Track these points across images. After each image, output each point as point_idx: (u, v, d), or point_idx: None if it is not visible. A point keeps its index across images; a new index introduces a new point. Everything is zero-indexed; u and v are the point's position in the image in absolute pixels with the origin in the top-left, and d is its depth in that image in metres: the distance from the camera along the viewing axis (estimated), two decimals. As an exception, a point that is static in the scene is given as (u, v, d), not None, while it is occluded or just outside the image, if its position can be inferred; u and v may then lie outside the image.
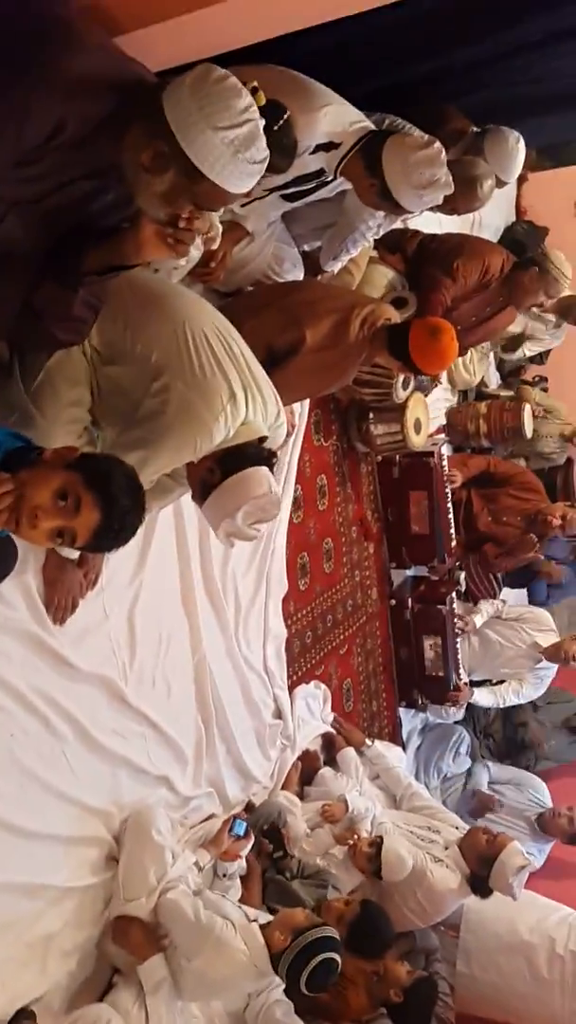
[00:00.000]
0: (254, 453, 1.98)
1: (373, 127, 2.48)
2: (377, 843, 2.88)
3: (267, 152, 1.55)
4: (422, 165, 2.39)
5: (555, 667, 4.49)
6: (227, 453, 1.95)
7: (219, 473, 1.94)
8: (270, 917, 2.39)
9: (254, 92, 2.11)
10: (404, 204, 2.49)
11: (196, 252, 2.40)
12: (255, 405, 2.00)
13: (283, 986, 2.33)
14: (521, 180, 5.49)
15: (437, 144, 2.43)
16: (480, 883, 3.02)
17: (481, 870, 3.02)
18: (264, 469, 1.98)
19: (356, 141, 2.41)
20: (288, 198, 2.63)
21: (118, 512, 1.53)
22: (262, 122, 1.54)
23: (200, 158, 1.49)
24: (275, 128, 2.09)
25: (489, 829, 3.23)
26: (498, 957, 3.26)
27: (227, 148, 1.49)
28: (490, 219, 5.13)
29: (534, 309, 4.70)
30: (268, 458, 2.02)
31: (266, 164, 1.57)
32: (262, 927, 2.28)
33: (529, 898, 3.43)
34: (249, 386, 1.99)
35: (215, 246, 2.50)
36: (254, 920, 2.30)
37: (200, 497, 2.01)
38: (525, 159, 5.40)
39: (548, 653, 4.39)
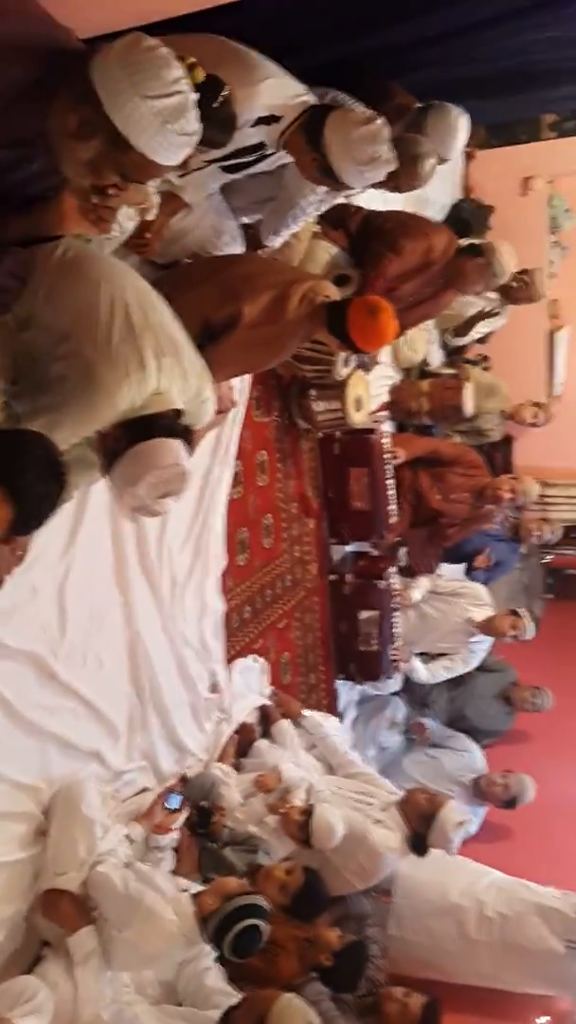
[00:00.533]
0: (165, 424, 1.91)
1: (315, 101, 2.45)
2: (307, 811, 2.93)
3: (197, 125, 1.53)
4: (365, 141, 2.37)
5: (489, 641, 4.62)
6: (135, 421, 1.87)
7: (125, 441, 1.86)
8: (202, 887, 2.43)
9: (192, 68, 2.07)
10: (346, 180, 2.47)
11: (130, 223, 2.36)
12: (170, 376, 1.92)
13: (214, 954, 2.38)
14: (469, 158, 5.53)
15: (380, 120, 2.41)
16: (419, 841, 3.10)
17: (421, 827, 3.10)
18: (175, 441, 1.91)
19: (298, 115, 2.38)
20: (227, 170, 2.60)
21: (32, 502, 1.48)
22: (194, 95, 1.52)
23: (127, 126, 1.46)
24: (214, 105, 2.06)
25: (427, 789, 3.33)
26: (429, 920, 3.37)
27: (155, 118, 1.46)
28: (437, 196, 5.14)
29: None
30: (182, 432, 1.95)
31: (197, 137, 1.55)
32: (195, 895, 2.32)
33: (460, 863, 3.55)
34: (164, 355, 1.91)
35: (151, 216, 2.45)
36: (185, 890, 2.33)
37: (106, 467, 1.92)
38: (473, 137, 5.45)
39: (482, 627, 4.50)
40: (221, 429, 3.23)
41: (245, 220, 2.98)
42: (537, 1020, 3.38)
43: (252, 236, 3.00)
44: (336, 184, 2.54)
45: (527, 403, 5.13)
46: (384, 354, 4.47)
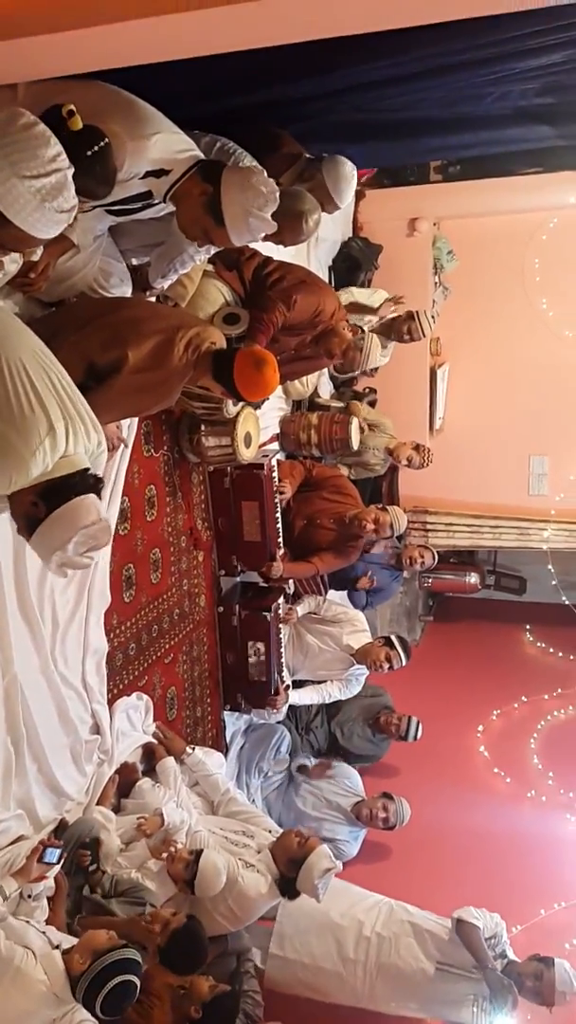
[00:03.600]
0: (79, 482, 1.94)
1: (202, 156, 2.49)
2: (196, 853, 2.93)
3: (75, 201, 1.54)
4: (261, 187, 2.43)
5: (366, 669, 4.75)
6: (50, 486, 1.90)
7: (44, 507, 1.90)
8: (74, 941, 2.39)
9: (70, 116, 2.07)
10: (228, 220, 2.47)
11: (13, 266, 2.32)
12: (75, 437, 1.95)
13: (87, 1009, 2.34)
14: (359, 196, 5.70)
15: (276, 189, 2.48)
16: (288, 885, 3.15)
17: (290, 872, 3.15)
18: (91, 497, 1.96)
19: (186, 169, 2.42)
20: (113, 213, 2.60)
21: None
22: (71, 170, 1.52)
23: (6, 205, 1.46)
24: (88, 154, 2.06)
25: (301, 831, 3.38)
26: (310, 938, 3.47)
27: (34, 197, 1.46)
28: (327, 233, 5.28)
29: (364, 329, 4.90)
30: (94, 485, 1.99)
31: (75, 211, 1.55)
32: (65, 952, 2.28)
33: (343, 886, 3.66)
34: (70, 418, 1.94)
35: (36, 257, 2.42)
36: (57, 947, 2.29)
37: (27, 532, 1.95)
38: (364, 175, 5.63)
39: (358, 655, 4.63)
40: (108, 466, 3.20)
41: (134, 261, 2.98)
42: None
43: (140, 276, 3.00)
44: (214, 228, 2.50)
45: (408, 444, 5.29)
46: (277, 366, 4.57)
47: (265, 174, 2.48)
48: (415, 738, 4.91)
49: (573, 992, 3.35)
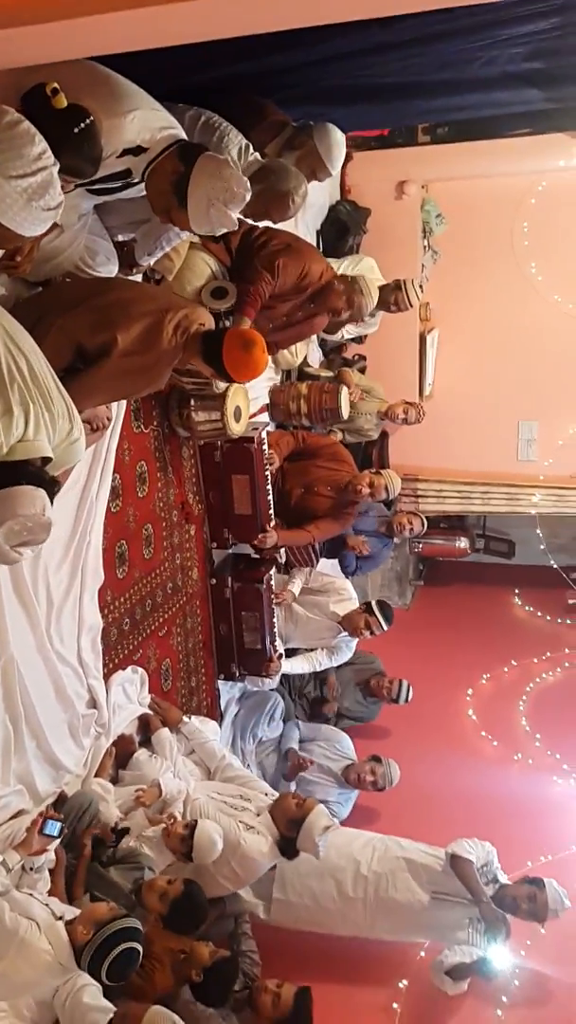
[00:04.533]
0: (30, 472, 1.93)
1: (183, 135, 2.46)
2: (191, 826, 3.02)
3: (61, 197, 1.54)
4: (229, 187, 2.40)
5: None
6: (1, 466, 1.89)
7: None
8: (76, 911, 2.48)
9: (54, 94, 2.05)
10: (190, 204, 2.43)
11: (-1, 250, 2.30)
12: (37, 423, 1.95)
13: (90, 972, 2.44)
14: (347, 160, 5.60)
15: (248, 191, 2.47)
16: (289, 845, 3.26)
17: (290, 832, 3.26)
18: (40, 491, 1.93)
19: (165, 147, 2.39)
20: (94, 192, 2.57)
21: None
22: (56, 167, 1.51)
23: None
24: (75, 131, 2.04)
25: (298, 794, 3.48)
26: (310, 881, 3.61)
27: (20, 196, 1.46)
28: (315, 198, 5.19)
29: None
30: (48, 482, 1.97)
31: (61, 208, 1.54)
32: (68, 922, 2.37)
33: (336, 826, 3.77)
34: (32, 402, 1.93)
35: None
36: (60, 918, 2.38)
37: None
38: (351, 138, 5.55)
39: (343, 623, 4.71)
40: (99, 444, 3.22)
41: (120, 238, 2.95)
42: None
43: (127, 254, 2.98)
44: (176, 207, 2.46)
45: (400, 402, 5.34)
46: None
47: (240, 172, 2.45)
48: (406, 700, 5.03)
49: (564, 908, 3.57)
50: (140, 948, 2.36)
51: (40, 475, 1.93)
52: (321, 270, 3.79)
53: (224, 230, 2.55)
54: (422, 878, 3.65)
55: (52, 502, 1.93)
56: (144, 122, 2.32)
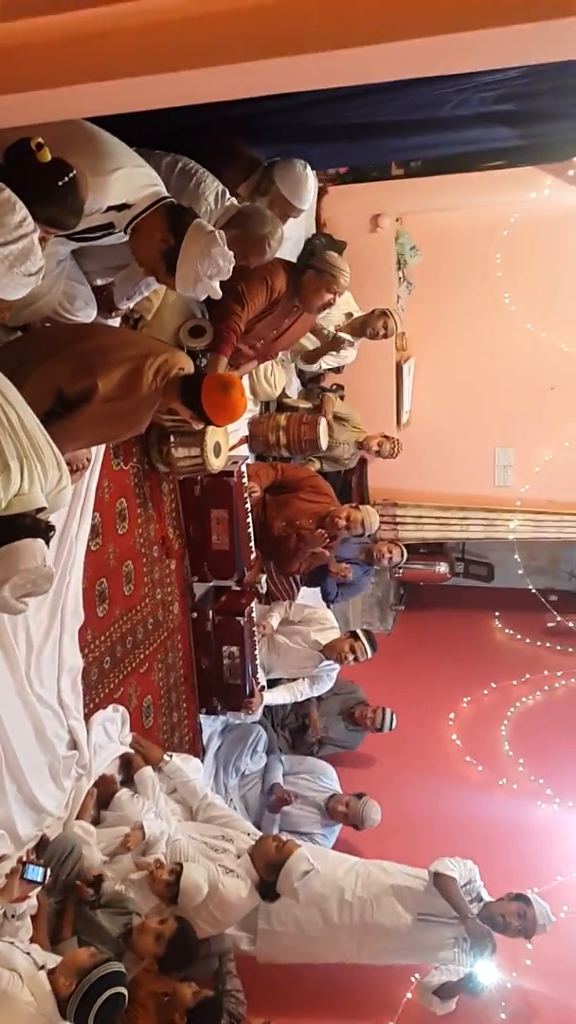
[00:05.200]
0: (28, 525, 1.97)
1: (165, 192, 2.50)
2: (177, 871, 3.01)
3: (42, 263, 1.57)
4: (217, 264, 2.46)
5: (337, 666, 4.84)
6: None
7: None
8: (59, 959, 2.45)
9: (39, 148, 2.08)
10: (179, 277, 2.54)
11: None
12: (31, 475, 1.98)
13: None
14: (322, 193, 5.69)
15: (232, 264, 2.54)
16: (268, 888, 3.25)
17: (269, 876, 3.25)
18: (39, 542, 1.97)
19: (149, 205, 2.43)
20: (74, 239, 2.60)
21: None
22: (36, 233, 1.54)
23: None
24: (59, 184, 2.08)
25: (279, 836, 3.47)
26: (295, 910, 3.59)
27: (2, 263, 1.49)
28: (291, 232, 5.25)
29: (331, 328, 4.93)
30: (44, 531, 2.01)
31: (42, 273, 1.57)
32: (50, 972, 2.35)
33: (320, 852, 3.82)
34: (26, 456, 1.97)
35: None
36: (42, 967, 2.35)
37: None
38: (327, 173, 5.63)
39: (326, 651, 4.73)
40: (78, 484, 3.22)
41: (99, 282, 2.98)
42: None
43: (106, 298, 3.01)
44: (163, 274, 2.57)
45: (377, 435, 5.39)
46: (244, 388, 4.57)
47: (225, 245, 2.50)
48: (390, 728, 5.04)
49: (551, 922, 3.60)
50: (125, 992, 2.35)
51: (37, 526, 1.96)
52: (285, 277, 3.79)
53: (206, 296, 2.60)
54: (406, 901, 3.66)
55: (49, 546, 1.96)
56: (128, 180, 2.37)
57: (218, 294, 2.55)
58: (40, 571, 1.95)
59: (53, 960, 2.46)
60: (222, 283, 3.64)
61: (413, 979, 3.74)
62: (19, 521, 1.95)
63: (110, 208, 2.36)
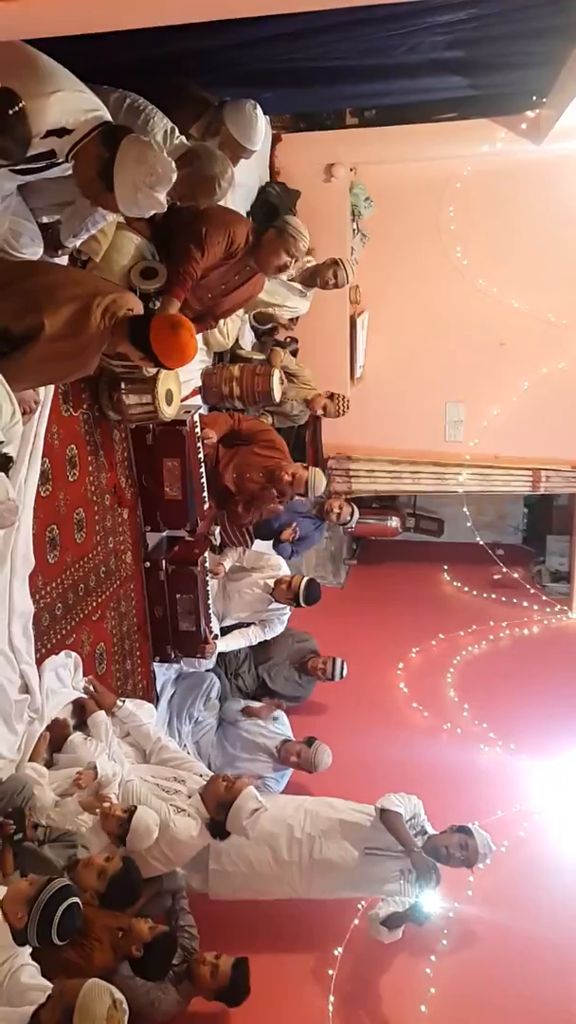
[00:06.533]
0: None
1: (108, 117, 2.44)
2: (130, 811, 3.06)
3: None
4: (155, 170, 2.41)
5: (287, 610, 4.93)
6: None
7: None
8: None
9: None
10: (117, 190, 2.44)
11: None
12: None
13: (28, 950, 2.46)
14: (275, 140, 5.61)
15: (174, 173, 2.47)
16: (218, 827, 3.32)
17: (219, 815, 3.32)
18: (2, 475, 1.98)
19: (90, 129, 2.38)
20: (18, 172, 2.54)
21: None
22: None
23: None
24: (10, 112, 2.04)
25: (228, 775, 3.54)
26: (245, 849, 3.69)
27: None
28: (244, 178, 5.16)
29: (282, 278, 4.89)
30: (4, 463, 2.02)
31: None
32: (1, 905, 2.38)
33: (270, 798, 3.87)
34: None
35: None
36: (-6, 901, 2.39)
37: None
38: (279, 119, 5.54)
39: (273, 593, 4.80)
40: (27, 428, 3.18)
41: (45, 220, 2.92)
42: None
43: (52, 235, 2.95)
44: (103, 193, 2.47)
45: (324, 395, 5.41)
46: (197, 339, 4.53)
47: (164, 154, 2.46)
48: (341, 677, 5.14)
49: (492, 852, 3.77)
50: (79, 900, 2.39)
51: None
52: (246, 231, 3.74)
53: (153, 212, 2.55)
54: (353, 836, 3.77)
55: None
56: (68, 103, 2.31)
57: (163, 206, 2.49)
58: (5, 505, 1.97)
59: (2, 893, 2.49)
60: (182, 228, 3.62)
61: (359, 907, 3.87)
62: None
63: (50, 133, 2.30)
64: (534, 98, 5.10)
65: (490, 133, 5.39)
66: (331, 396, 5.34)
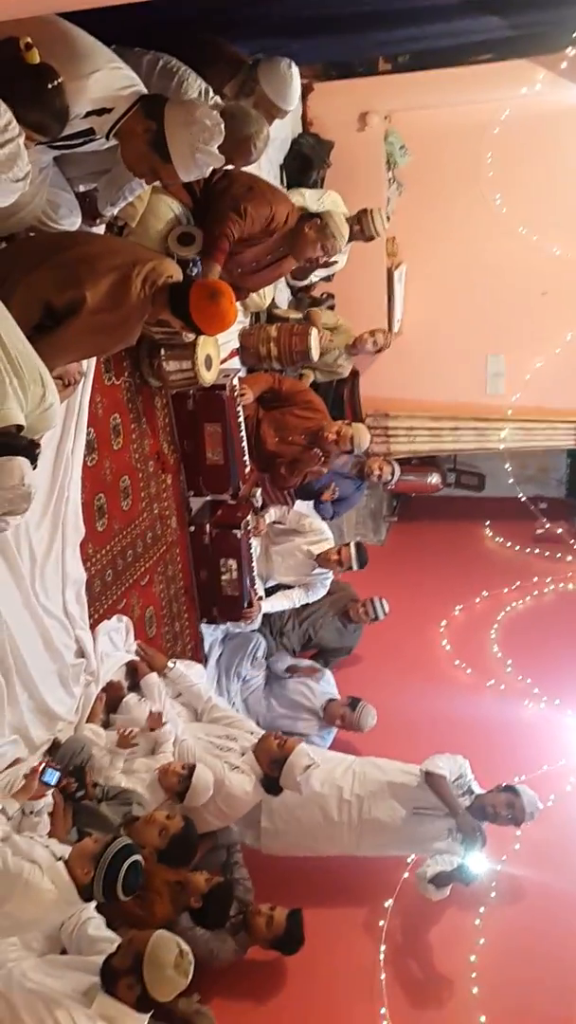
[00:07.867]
0: (7, 442, 1.95)
1: (144, 90, 2.41)
2: (190, 768, 3.15)
3: (28, 168, 1.54)
4: (205, 125, 2.38)
5: (330, 572, 4.95)
6: None
7: None
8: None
9: (27, 48, 2.01)
10: (175, 158, 2.43)
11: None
12: (8, 392, 1.96)
13: (93, 905, 2.57)
14: (307, 91, 5.47)
15: (220, 122, 2.43)
16: (272, 783, 3.41)
17: (272, 771, 3.41)
18: (18, 460, 1.95)
19: (129, 106, 2.35)
20: (55, 147, 2.52)
21: None
22: (21, 137, 1.50)
23: None
24: (48, 87, 2.03)
25: (280, 734, 3.62)
26: (296, 811, 3.76)
27: None
28: (277, 131, 5.07)
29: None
30: (26, 448, 1.98)
31: (28, 179, 1.54)
32: (67, 862, 2.49)
33: (318, 751, 3.97)
34: (3, 372, 1.96)
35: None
36: (60, 858, 2.49)
37: None
38: (311, 69, 5.40)
39: (320, 561, 4.84)
40: (71, 399, 3.22)
41: (81, 188, 2.90)
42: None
43: (89, 204, 2.93)
44: (161, 165, 2.46)
45: (366, 333, 5.38)
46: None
47: (208, 106, 2.41)
48: (384, 614, 5.14)
49: (539, 810, 3.79)
50: (141, 859, 2.47)
51: (14, 444, 1.94)
52: (287, 211, 3.72)
53: (213, 168, 2.51)
54: (401, 796, 3.82)
55: (36, 464, 1.96)
56: (107, 82, 2.28)
57: (221, 159, 2.47)
58: (18, 490, 1.93)
59: (68, 852, 2.60)
60: (222, 196, 3.58)
61: (408, 861, 3.96)
62: None
63: (89, 114, 2.28)
64: (575, 35, 4.88)
65: (529, 74, 5.20)
66: (372, 331, 5.39)
